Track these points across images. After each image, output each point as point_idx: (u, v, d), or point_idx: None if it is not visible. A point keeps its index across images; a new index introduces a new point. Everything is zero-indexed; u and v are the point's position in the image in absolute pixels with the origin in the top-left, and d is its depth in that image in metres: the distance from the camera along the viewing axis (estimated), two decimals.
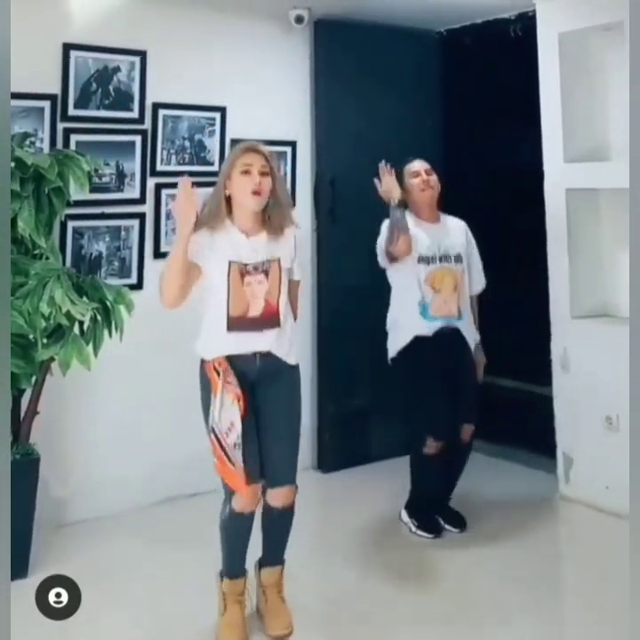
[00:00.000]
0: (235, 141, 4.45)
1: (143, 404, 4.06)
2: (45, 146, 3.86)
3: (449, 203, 4.20)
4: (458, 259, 3.86)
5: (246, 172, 2.90)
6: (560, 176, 4.31)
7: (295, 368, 3.04)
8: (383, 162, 3.76)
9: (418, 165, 3.94)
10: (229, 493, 2.94)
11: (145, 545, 3.72)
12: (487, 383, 4.12)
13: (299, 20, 4.62)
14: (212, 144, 4.42)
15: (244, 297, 2.89)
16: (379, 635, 3.03)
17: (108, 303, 3.45)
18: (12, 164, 3.33)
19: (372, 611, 3.18)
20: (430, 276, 3.77)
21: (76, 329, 3.43)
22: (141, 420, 4.03)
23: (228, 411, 2.81)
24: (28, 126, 3.79)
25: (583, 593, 3.38)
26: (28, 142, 3.71)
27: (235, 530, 2.98)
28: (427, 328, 3.76)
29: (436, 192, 3.91)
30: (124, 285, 3.70)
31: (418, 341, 3.77)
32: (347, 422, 4.75)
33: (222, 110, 4.45)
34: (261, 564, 3.12)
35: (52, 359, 3.43)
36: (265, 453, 2.93)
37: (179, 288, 2.87)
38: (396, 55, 4.97)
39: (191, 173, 4.26)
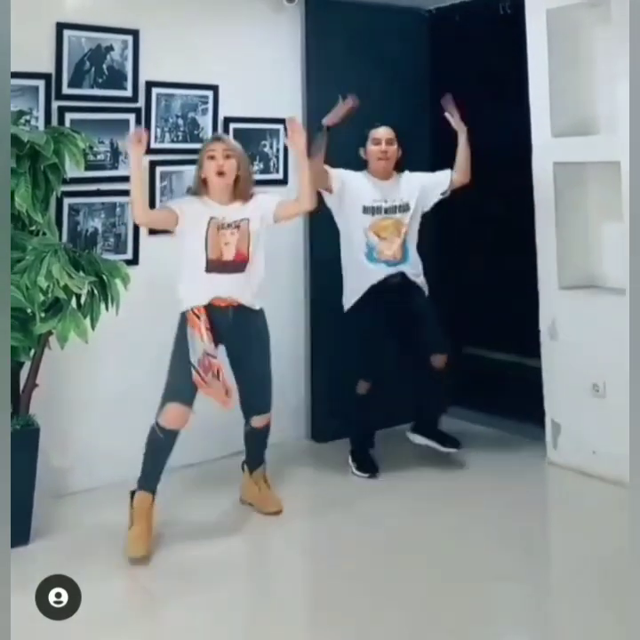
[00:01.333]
0: (228, 119, 4.54)
1: (140, 376, 4.12)
2: (40, 124, 3.90)
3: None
4: (404, 208, 4.23)
5: (212, 157, 3.63)
6: (547, 150, 4.37)
7: (260, 312, 3.74)
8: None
9: (381, 133, 4.27)
10: (158, 410, 3.53)
11: None
12: (477, 354, 4.20)
13: None
14: (205, 122, 4.47)
15: (219, 244, 3.59)
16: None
17: (105, 277, 3.49)
18: None
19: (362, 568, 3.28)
20: (375, 224, 4.17)
21: (74, 303, 3.48)
22: (138, 392, 4.09)
23: (210, 348, 3.49)
24: (22, 105, 3.83)
25: (571, 556, 3.44)
26: (23, 120, 3.75)
27: (157, 444, 3.52)
28: (374, 272, 4.15)
29: (391, 163, 4.27)
30: (120, 261, 3.75)
31: (368, 294, 4.15)
32: (339, 393, 4.81)
33: (215, 89, 4.49)
34: (250, 467, 3.91)
35: (50, 332, 3.49)
36: (244, 390, 3.72)
37: (142, 205, 3.54)
38: (386, 33, 5.00)
39: (184, 151, 4.38)
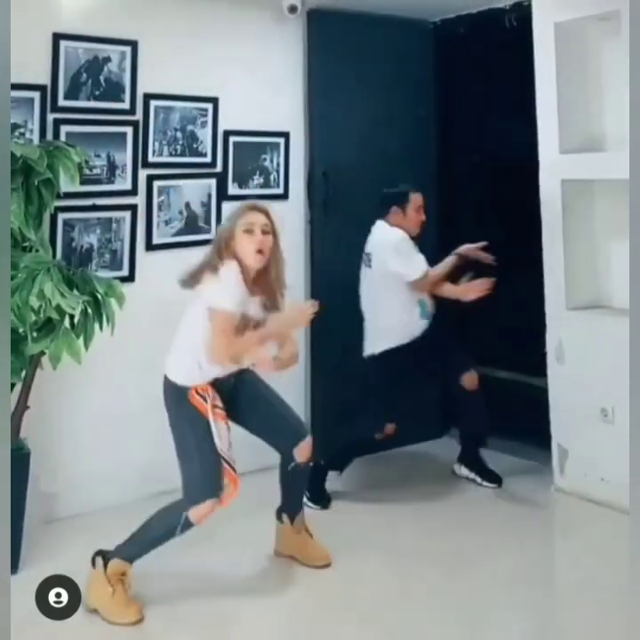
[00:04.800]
0: (227, 133, 4.45)
1: (134, 398, 4.03)
2: (35, 137, 3.81)
3: (443, 195, 4.20)
4: None
5: (248, 231, 3.08)
6: (555, 167, 4.28)
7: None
8: None
9: (420, 199, 4.22)
10: (189, 503, 3.06)
11: None
12: (482, 375, 4.12)
13: (292, 9, 4.58)
14: (205, 135, 4.38)
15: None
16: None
17: (99, 296, 3.41)
18: None
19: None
20: None
21: (67, 322, 3.39)
22: (132, 414, 4.01)
23: (222, 431, 3.09)
24: (17, 117, 3.75)
25: (578, 586, 3.36)
26: (17, 133, 3.67)
27: (173, 534, 3.08)
28: (420, 326, 4.16)
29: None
30: (116, 278, 3.67)
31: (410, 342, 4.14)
32: (339, 415, 4.72)
33: (214, 101, 4.41)
34: (289, 514, 3.47)
35: (42, 353, 3.41)
36: (272, 423, 3.33)
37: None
38: (390, 45, 4.93)
39: (183, 165, 4.29)
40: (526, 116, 4.42)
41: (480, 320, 4.14)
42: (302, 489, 3.57)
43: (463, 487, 4.29)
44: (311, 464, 3.50)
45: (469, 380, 4.17)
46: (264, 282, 3.16)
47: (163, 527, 3.11)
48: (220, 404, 3.12)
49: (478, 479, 4.32)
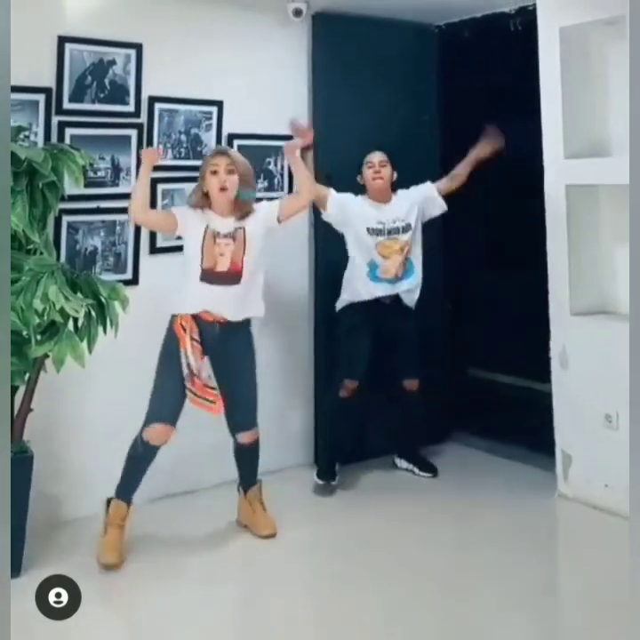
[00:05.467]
0: (232, 136, 4.44)
1: (138, 401, 4.00)
2: (40, 140, 3.81)
3: (446, 199, 4.18)
4: (405, 229, 4.34)
5: (214, 172, 3.61)
6: (560, 172, 4.27)
7: (246, 325, 3.71)
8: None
9: (374, 157, 4.39)
10: (144, 424, 3.56)
11: (140, 543, 3.68)
12: (486, 379, 4.10)
13: (297, 13, 4.57)
14: (209, 138, 4.37)
15: (214, 254, 3.57)
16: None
17: (103, 299, 3.40)
18: None
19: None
20: (379, 245, 4.29)
21: (70, 325, 3.39)
22: (136, 417, 3.97)
23: (196, 357, 3.52)
24: (22, 120, 3.75)
25: (582, 593, 3.35)
26: (22, 136, 3.66)
27: (139, 457, 3.57)
28: (371, 288, 4.30)
29: (386, 183, 4.38)
30: (119, 281, 3.67)
31: (361, 303, 4.32)
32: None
33: (219, 104, 4.40)
34: (243, 487, 3.84)
35: (45, 356, 3.40)
36: (231, 404, 3.62)
37: (142, 201, 3.57)
38: (395, 49, 4.92)
39: (187, 168, 4.28)
40: (531, 120, 4.41)
41: (483, 325, 4.13)
42: (250, 466, 3.81)
43: (465, 492, 4.26)
44: (254, 449, 3.76)
45: (411, 384, 4.41)
46: (235, 209, 3.66)
47: (129, 455, 3.60)
48: (197, 338, 3.54)
49: (416, 470, 4.51)
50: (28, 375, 3.46)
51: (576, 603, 3.33)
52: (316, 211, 4.69)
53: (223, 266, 3.59)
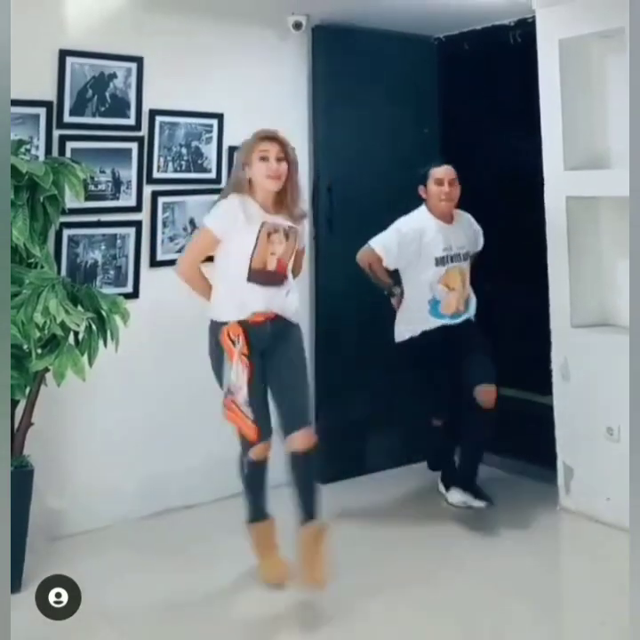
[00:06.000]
0: (232, 148, 4.44)
1: (139, 415, 4.02)
2: (41, 153, 3.81)
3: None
4: (466, 256, 4.16)
5: (264, 159, 3.31)
6: (560, 184, 4.27)
7: (297, 326, 3.48)
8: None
9: (443, 173, 4.15)
10: (245, 446, 3.35)
11: (141, 557, 3.68)
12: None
13: (297, 26, 4.58)
14: (210, 151, 4.37)
15: (266, 253, 3.32)
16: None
17: (104, 313, 3.40)
18: None
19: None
20: (445, 276, 4.05)
21: (71, 339, 3.38)
22: (137, 431, 3.99)
23: (241, 375, 3.21)
24: (23, 133, 3.75)
25: (583, 606, 3.34)
26: (23, 150, 3.66)
27: (251, 477, 3.40)
28: (433, 323, 4.06)
29: (454, 204, 4.17)
30: (120, 294, 3.64)
31: (422, 336, 4.07)
32: (344, 434, 4.70)
33: (219, 117, 4.40)
34: (301, 517, 3.33)
35: (46, 370, 3.39)
36: (280, 405, 3.36)
37: (197, 258, 3.43)
38: (395, 61, 4.93)
39: (188, 180, 4.28)
40: (531, 132, 4.42)
41: (485, 337, 4.12)
42: (306, 486, 3.35)
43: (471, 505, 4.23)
44: (309, 457, 3.34)
45: (486, 393, 4.03)
46: (281, 204, 3.38)
47: (242, 478, 3.46)
48: (246, 352, 3.23)
49: (472, 500, 4.17)
50: (28, 389, 3.45)
51: (578, 616, 3.32)
52: (315, 218, 4.69)
53: (272, 265, 3.35)
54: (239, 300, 3.32)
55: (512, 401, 4.90)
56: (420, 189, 4.21)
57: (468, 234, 4.24)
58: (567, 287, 4.23)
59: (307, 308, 4.70)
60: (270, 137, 3.38)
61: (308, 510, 3.32)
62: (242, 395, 3.21)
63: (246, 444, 3.37)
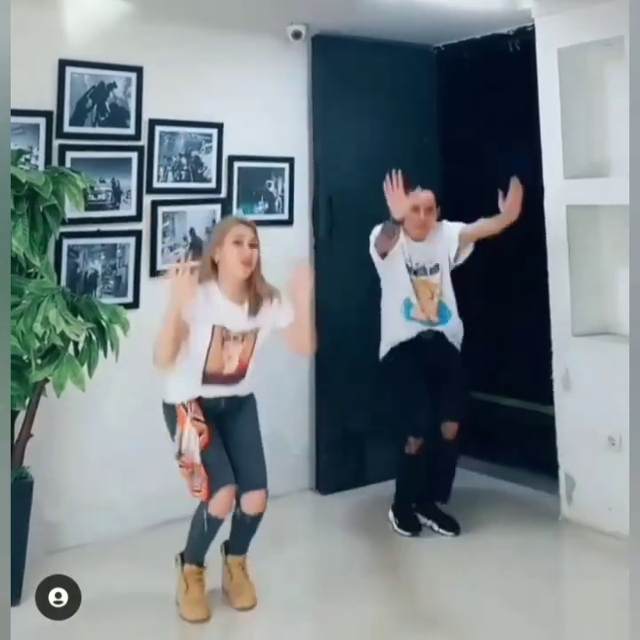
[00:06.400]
0: (232, 158, 4.44)
1: (139, 426, 3.99)
2: (40, 163, 3.81)
3: (447, 219, 4.18)
4: (434, 269, 4.12)
5: (238, 243, 3.21)
6: (560, 192, 4.27)
7: (251, 396, 3.42)
8: (388, 176, 3.82)
9: (420, 200, 4.05)
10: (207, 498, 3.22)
11: (140, 570, 3.66)
12: (488, 402, 4.08)
13: (296, 35, 4.59)
14: (209, 161, 4.37)
15: (222, 358, 3.24)
16: None
17: (104, 323, 3.39)
18: None
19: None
20: (414, 284, 4.08)
21: (71, 349, 3.37)
22: (137, 442, 3.97)
23: (193, 442, 3.17)
24: (23, 143, 3.75)
25: (585, 617, 3.32)
26: (22, 159, 3.65)
27: (205, 530, 3.26)
28: (408, 328, 4.05)
29: (428, 231, 4.11)
30: (120, 304, 3.64)
31: (401, 346, 4.05)
32: (344, 444, 4.69)
33: (219, 126, 4.40)
34: (228, 549, 3.43)
35: (46, 380, 3.38)
36: (237, 469, 3.26)
37: (173, 351, 3.15)
38: (394, 71, 4.94)
39: (188, 190, 4.27)
40: (530, 141, 4.42)
41: (485, 347, 4.11)
42: (247, 535, 3.38)
43: (467, 516, 4.20)
44: (257, 519, 3.31)
45: (450, 428, 4.00)
46: (248, 290, 3.28)
47: (195, 527, 3.32)
48: (200, 417, 3.21)
49: (435, 526, 4.06)
50: (28, 400, 3.43)
51: (580, 627, 3.30)
52: (315, 230, 4.69)
53: (230, 368, 3.28)
54: (191, 391, 3.26)
55: (513, 411, 4.89)
56: None
57: (442, 245, 4.14)
58: (568, 296, 4.22)
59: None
60: (246, 223, 3.34)
61: (244, 548, 3.42)
62: (196, 460, 3.17)
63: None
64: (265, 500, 3.29)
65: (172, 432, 3.27)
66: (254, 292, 3.28)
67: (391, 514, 4.12)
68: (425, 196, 4.10)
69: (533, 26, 4.42)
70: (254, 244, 3.24)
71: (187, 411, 3.20)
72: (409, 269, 4.09)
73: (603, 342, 4.16)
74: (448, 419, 3.98)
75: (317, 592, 3.65)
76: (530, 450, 4.63)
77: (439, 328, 4.09)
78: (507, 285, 4.30)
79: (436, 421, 3.97)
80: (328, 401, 4.68)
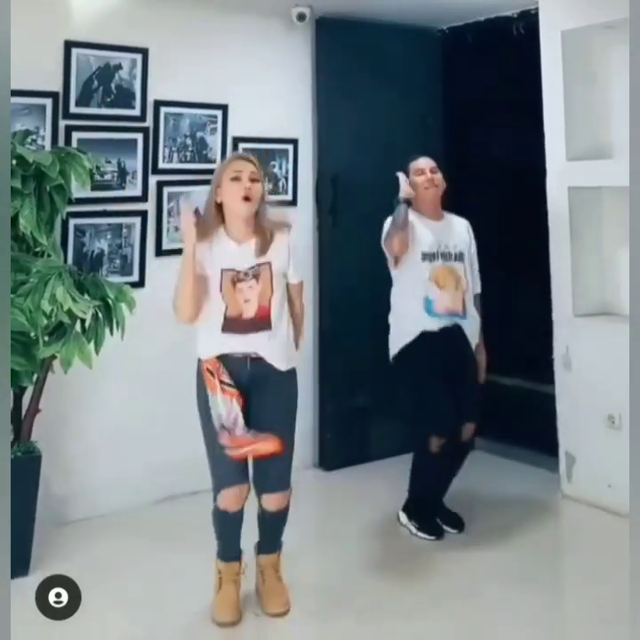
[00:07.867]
0: (237, 139, 4.47)
1: (145, 402, 4.05)
2: (47, 143, 3.85)
3: (451, 201, 4.20)
4: (459, 257, 3.85)
5: (236, 179, 2.99)
6: (562, 174, 4.29)
7: (287, 374, 3.09)
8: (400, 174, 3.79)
9: (423, 163, 3.92)
10: (215, 492, 3.08)
11: (146, 543, 3.71)
12: (489, 381, 4.10)
13: (301, 17, 4.61)
14: (214, 142, 4.41)
15: (238, 302, 3.00)
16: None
17: (110, 301, 3.43)
18: (14, 162, 3.32)
19: (371, 605, 3.20)
20: (434, 273, 3.76)
21: (78, 327, 3.41)
22: (143, 418, 4.02)
23: (228, 406, 2.93)
24: (29, 124, 3.79)
25: (585, 593, 3.36)
26: (29, 140, 3.69)
27: (223, 523, 3.12)
28: (431, 324, 3.75)
29: (439, 190, 3.90)
30: (126, 283, 3.68)
31: (421, 339, 3.76)
32: (348, 421, 4.73)
33: (224, 108, 4.44)
34: (259, 549, 3.22)
35: (53, 357, 3.42)
36: (255, 465, 3.05)
37: (193, 302, 2.98)
38: (398, 53, 4.95)
39: (193, 171, 4.31)
40: (533, 123, 4.44)
41: (486, 326, 4.13)
42: (272, 533, 3.19)
43: (468, 493, 4.22)
44: (279, 515, 3.12)
45: (468, 429, 3.83)
46: (256, 228, 3.05)
47: (215, 523, 3.14)
48: (226, 379, 2.96)
49: (413, 529, 3.85)
50: (35, 376, 3.48)
51: (579, 603, 3.34)
52: (319, 208, 4.71)
53: (250, 312, 3.00)
54: (217, 346, 3.03)
55: (514, 390, 4.93)
56: (400, 194, 3.78)
57: (463, 235, 3.93)
58: (569, 277, 4.25)
59: (310, 299, 4.72)
60: (244, 157, 3.12)
61: (273, 545, 3.21)
62: (239, 427, 2.93)
63: (215, 490, 3.08)
64: (287, 499, 3.10)
65: (201, 402, 3.04)
66: (261, 229, 3.04)
67: (404, 517, 3.91)
68: (424, 159, 3.95)
69: (537, 8, 4.43)
70: (255, 179, 3.01)
71: (212, 374, 2.96)
72: (426, 255, 3.78)
73: (603, 322, 4.20)
74: (467, 420, 3.81)
75: (319, 568, 3.69)
76: (530, 428, 4.66)
77: (461, 322, 3.82)
78: (509, 265, 4.32)
79: (457, 421, 3.78)
80: (331, 378, 4.72)
